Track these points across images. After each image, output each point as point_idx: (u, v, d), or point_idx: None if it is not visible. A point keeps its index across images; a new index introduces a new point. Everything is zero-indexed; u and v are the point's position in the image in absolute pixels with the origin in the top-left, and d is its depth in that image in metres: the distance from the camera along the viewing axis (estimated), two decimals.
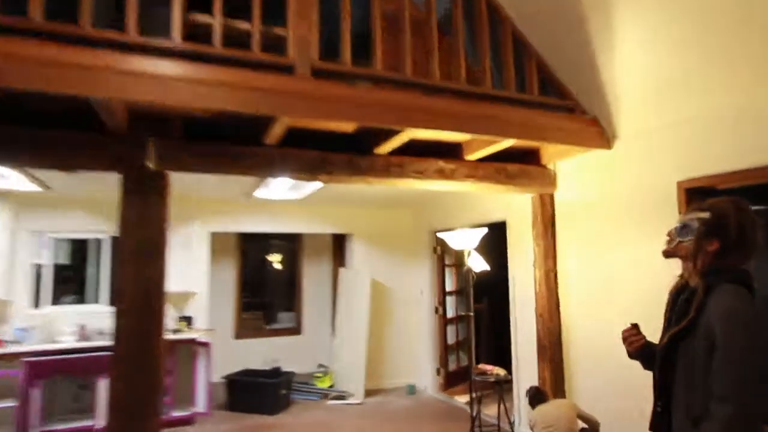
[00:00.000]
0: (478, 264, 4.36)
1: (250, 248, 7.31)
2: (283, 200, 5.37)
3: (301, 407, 5.45)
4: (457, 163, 3.53)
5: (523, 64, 3.40)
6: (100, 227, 5.15)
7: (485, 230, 4.34)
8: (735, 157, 2.66)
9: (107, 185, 3.00)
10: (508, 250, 4.57)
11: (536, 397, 3.27)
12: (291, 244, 7.41)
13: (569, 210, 3.84)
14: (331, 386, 6.03)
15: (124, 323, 2.59)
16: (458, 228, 4.58)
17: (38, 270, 5.09)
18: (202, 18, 2.68)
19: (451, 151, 3.57)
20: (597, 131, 3.41)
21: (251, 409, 5.16)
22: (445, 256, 6.14)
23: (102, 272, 5.33)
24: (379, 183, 3.40)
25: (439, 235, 4.81)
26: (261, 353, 6.57)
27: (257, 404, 5.17)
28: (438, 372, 5.96)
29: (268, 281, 7.68)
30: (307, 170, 3.13)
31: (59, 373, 4.51)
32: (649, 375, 1.70)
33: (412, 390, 6.02)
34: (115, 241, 2.35)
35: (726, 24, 2.56)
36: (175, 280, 4.90)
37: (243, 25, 2.70)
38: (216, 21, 2.55)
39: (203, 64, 2.44)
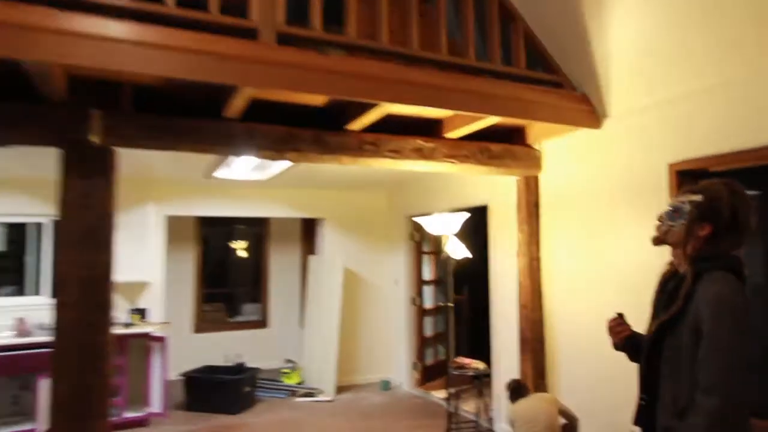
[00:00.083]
0: (458, 251, 4.37)
1: (212, 234, 7.26)
2: (247, 181, 5.28)
3: (266, 406, 5.42)
4: (437, 142, 3.50)
5: (510, 35, 3.37)
6: (41, 210, 4.95)
7: (466, 215, 4.34)
8: (728, 137, 2.70)
9: (48, 163, 2.86)
10: (490, 237, 4.59)
11: (516, 391, 3.31)
12: (256, 229, 7.35)
13: (555, 194, 3.86)
14: (299, 383, 6.02)
15: (66, 316, 2.49)
16: (437, 212, 4.57)
17: None
18: None
19: (430, 129, 3.53)
20: (586, 109, 3.41)
21: (212, 408, 5.11)
22: (423, 243, 6.15)
23: (43, 261, 5.14)
24: (351, 162, 3.35)
25: (416, 220, 4.79)
26: (223, 348, 6.52)
27: (218, 403, 5.12)
28: (414, 366, 5.99)
29: (231, 270, 7.67)
30: (272, 147, 3.06)
31: None
32: (636, 368, 1.72)
33: (386, 386, 6.05)
34: (56, 225, 2.25)
35: (722, 0, 2.58)
36: (126, 269, 4.85)
37: None
38: None
39: (154, 25, 2.32)
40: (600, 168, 3.50)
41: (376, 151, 3.31)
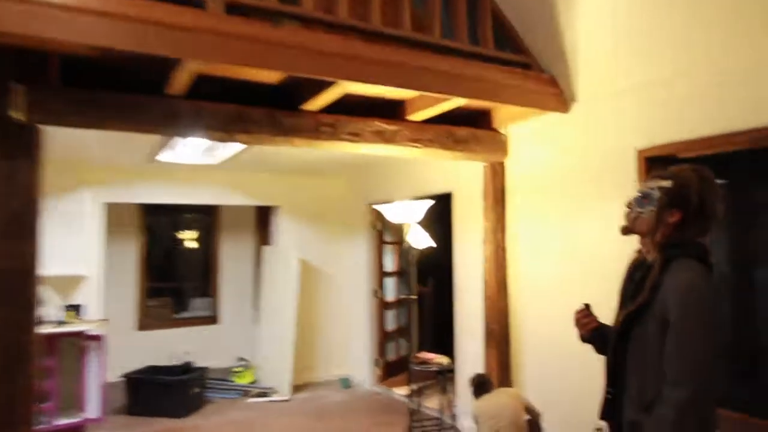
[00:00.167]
0: (421, 240, 4.37)
1: (157, 223, 7.09)
2: (195, 166, 5.15)
3: (216, 408, 5.34)
4: (399, 125, 3.48)
5: (477, 12, 3.36)
6: None
7: (430, 202, 4.34)
8: (697, 123, 2.78)
9: None
10: (454, 225, 4.62)
11: (480, 386, 3.35)
12: (206, 218, 7.23)
13: (521, 180, 3.91)
14: (252, 382, 5.96)
15: None
16: (399, 200, 4.56)
17: None
18: None
19: (392, 111, 3.51)
20: (554, 92, 3.45)
21: (156, 411, 4.98)
22: (384, 232, 6.15)
23: None
24: (307, 145, 3.31)
25: (377, 208, 4.78)
26: (170, 347, 6.37)
27: (163, 406, 5.00)
28: (376, 362, 6.02)
29: (178, 262, 7.51)
30: (221, 128, 2.98)
31: None
32: (603, 360, 1.75)
33: (346, 383, 6.05)
34: None
35: None
36: (57, 261, 4.67)
37: None
38: None
39: None
40: (567, 153, 3.55)
41: (334, 134, 3.27)
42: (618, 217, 1.78)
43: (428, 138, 3.59)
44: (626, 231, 1.73)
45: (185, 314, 7.16)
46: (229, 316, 7.08)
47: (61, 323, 4.68)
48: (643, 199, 1.67)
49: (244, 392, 5.73)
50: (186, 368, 5.51)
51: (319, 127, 3.22)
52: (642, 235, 1.68)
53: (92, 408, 4.81)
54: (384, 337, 6.10)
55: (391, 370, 6.07)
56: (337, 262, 6.43)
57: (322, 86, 2.90)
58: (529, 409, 3.19)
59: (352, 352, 6.32)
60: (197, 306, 7.23)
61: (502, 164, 4.01)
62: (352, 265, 6.34)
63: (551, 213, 3.66)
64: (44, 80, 2.57)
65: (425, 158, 4.36)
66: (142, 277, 6.67)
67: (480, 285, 4.10)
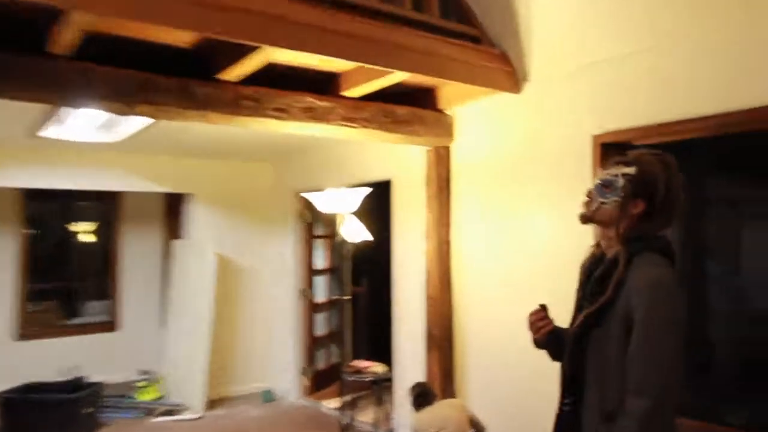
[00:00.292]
0: (356, 233, 4.32)
1: (43, 213, 6.85)
2: (90, 144, 4.88)
3: (113, 430, 5.15)
4: (333, 101, 3.43)
5: None
6: None
7: (367, 190, 4.30)
8: (657, 108, 2.84)
9: None
10: (393, 217, 4.61)
11: (421, 397, 3.35)
12: (105, 207, 6.95)
13: (468, 167, 3.92)
14: (158, 398, 5.80)
15: None
16: (332, 188, 4.51)
17: None
18: None
19: (324, 86, 3.45)
20: (505, 70, 3.47)
21: None
22: (315, 225, 6.13)
23: None
24: (226, 122, 3.22)
25: (307, 196, 4.73)
26: (57, 359, 6.04)
27: (47, 429, 4.70)
28: (303, 372, 5.98)
29: (70, 259, 7.29)
30: (119, 98, 2.83)
31: None
32: (558, 367, 1.74)
33: (269, 396, 6.00)
34: None
35: None
36: None
37: None
38: None
39: None
40: (519, 138, 3.58)
41: (258, 109, 3.18)
42: (574, 208, 1.77)
43: (365, 117, 3.55)
44: (585, 219, 1.72)
45: (78, 320, 6.90)
46: (132, 321, 6.84)
47: None
48: (606, 187, 1.66)
49: (148, 411, 5.55)
50: (76, 384, 5.21)
51: (239, 101, 3.12)
52: (603, 226, 1.67)
53: None
54: (313, 344, 6.07)
55: (320, 380, 6.04)
56: (260, 258, 6.36)
57: (242, 51, 2.78)
58: (474, 423, 3.22)
59: (276, 360, 6.25)
60: (93, 310, 6.99)
61: (447, 149, 4.01)
62: (278, 261, 6.27)
63: (501, 204, 3.68)
64: None
65: (362, 140, 4.31)
66: (22, 276, 6.25)
67: (421, 284, 4.10)
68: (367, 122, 3.54)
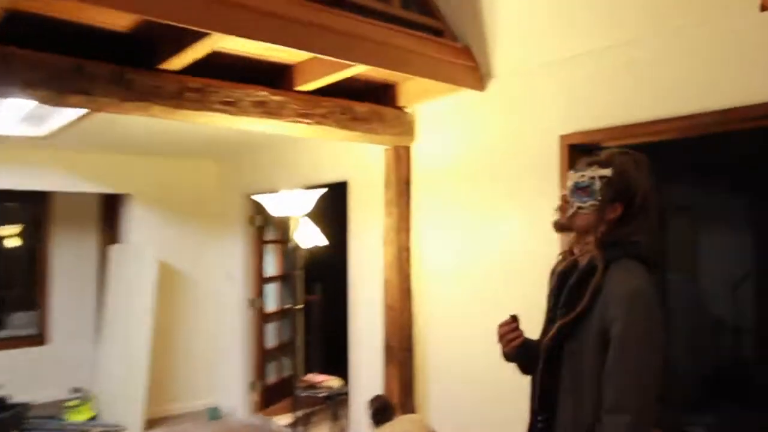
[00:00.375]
0: (310, 238, 4.27)
1: None
2: (13, 138, 4.71)
3: None
4: (287, 95, 3.39)
5: None
6: None
7: (321, 191, 4.25)
8: (623, 108, 2.87)
9: None
10: (350, 221, 4.58)
11: (380, 411, 3.32)
12: (32, 208, 6.89)
13: (429, 169, 3.91)
14: (92, 418, 5.68)
15: None
16: (284, 190, 4.50)
17: None
18: None
19: (277, 79, 3.42)
20: (469, 66, 3.46)
21: None
22: (265, 229, 6.11)
23: None
24: (168, 116, 3.15)
25: (257, 199, 4.71)
26: None
27: None
28: (252, 387, 5.94)
29: None
30: (47, 86, 2.71)
31: None
32: (528, 381, 1.72)
33: (215, 414, 5.96)
34: None
35: None
36: None
37: None
38: None
39: None
40: (483, 139, 3.58)
41: (203, 102, 3.11)
42: (542, 211, 1.75)
43: (321, 113, 3.52)
44: (561, 227, 1.70)
45: (1, 333, 6.77)
46: (63, 334, 6.75)
47: None
48: (582, 191, 1.65)
49: None
50: None
51: (183, 92, 3.04)
52: (581, 231, 1.65)
53: None
54: (263, 356, 6.04)
55: (271, 395, 6.02)
56: (206, 265, 6.34)
57: (186, 38, 2.70)
58: None
59: (222, 375, 6.20)
60: (18, 321, 6.90)
61: (407, 149, 4.00)
62: (225, 267, 6.22)
63: (464, 208, 3.67)
64: None
65: (317, 138, 4.25)
66: None
67: (379, 292, 4.07)
68: (322, 118, 3.52)
